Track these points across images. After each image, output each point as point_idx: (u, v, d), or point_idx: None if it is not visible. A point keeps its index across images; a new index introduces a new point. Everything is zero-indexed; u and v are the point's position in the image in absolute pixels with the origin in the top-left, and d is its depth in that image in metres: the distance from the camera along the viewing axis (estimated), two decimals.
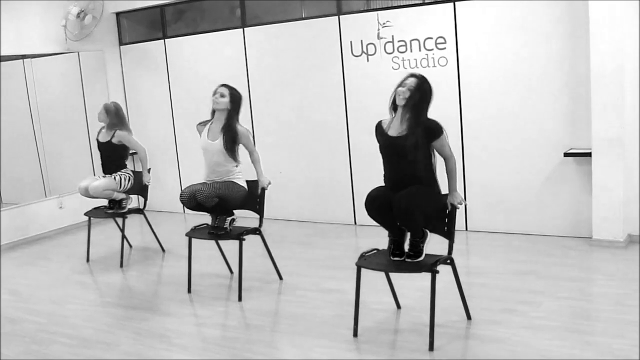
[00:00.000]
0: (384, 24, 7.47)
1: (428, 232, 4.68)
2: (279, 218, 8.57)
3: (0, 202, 8.58)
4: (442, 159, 4.73)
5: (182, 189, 5.88)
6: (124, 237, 7.31)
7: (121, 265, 7.11)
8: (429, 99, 4.61)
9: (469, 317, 4.93)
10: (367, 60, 7.67)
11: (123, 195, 7.19)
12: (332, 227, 8.12)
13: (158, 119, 9.65)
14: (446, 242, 4.75)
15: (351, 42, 7.75)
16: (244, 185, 5.94)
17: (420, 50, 7.31)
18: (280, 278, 6.22)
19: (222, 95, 5.79)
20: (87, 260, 7.28)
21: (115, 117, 7.10)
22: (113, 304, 6.02)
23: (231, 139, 5.75)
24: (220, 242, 6.36)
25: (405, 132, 4.55)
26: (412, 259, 4.59)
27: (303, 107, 8.27)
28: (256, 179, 5.99)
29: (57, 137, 9.26)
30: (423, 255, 4.61)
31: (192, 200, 5.71)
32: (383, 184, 4.75)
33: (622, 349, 4.28)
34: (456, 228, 4.78)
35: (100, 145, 7.20)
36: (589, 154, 6.50)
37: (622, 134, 6.30)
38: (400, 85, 4.60)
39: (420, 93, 4.55)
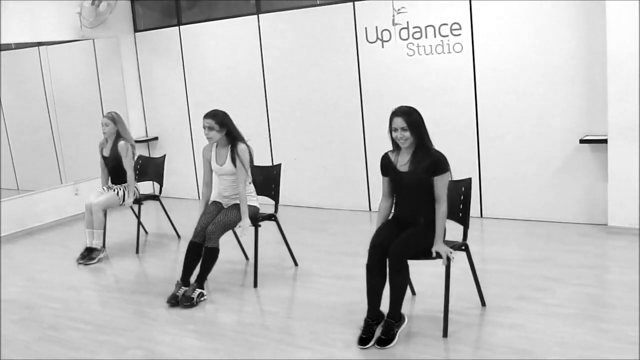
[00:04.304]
0: (399, 10, 7.44)
1: (406, 318, 4.58)
2: (295, 204, 8.58)
3: None
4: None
5: (198, 222, 5.74)
6: (139, 223, 7.35)
7: (137, 252, 7.16)
8: (424, 126, 4.50)
9: (483, 303, 4.93)
10: (382, 47, 7.65)
11: (99, 245, 6.98)
12: (347, 213, 8.12)
13: (173, 106, 9.68)
14: (461, 228, 4.75)
15: (366, 28, 7.72)
16: (256, 204, 5.90)
17: (435, 36, 7.28)
18: (296, 264, 6.24)
19: (211, 128, 5.65)
20: (103, 246, 7.31)
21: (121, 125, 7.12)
22: (129, 290, 6.05)
23: (239, 158, 5.69)
24: None
25: (413, 167, 4.50)
26: (382, 345, 4.36)
27: (318, 93, 8.26)
28: (255, 204, 5.89)
29: (72, 124, 9.31)
30: (394, 342, 4.39)
31: (202, 234, 5.61)
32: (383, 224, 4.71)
33: (637, 335, 4.27)
34: (471, 215, 4.78)
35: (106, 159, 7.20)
36: (605, 141, 6.46)
37: (639, 121, 6.25)
38: (392, 129, 4.49)
39: (415, 127, 4.45)
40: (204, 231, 5.60)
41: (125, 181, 7.11)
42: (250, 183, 5.87)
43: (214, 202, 5.93)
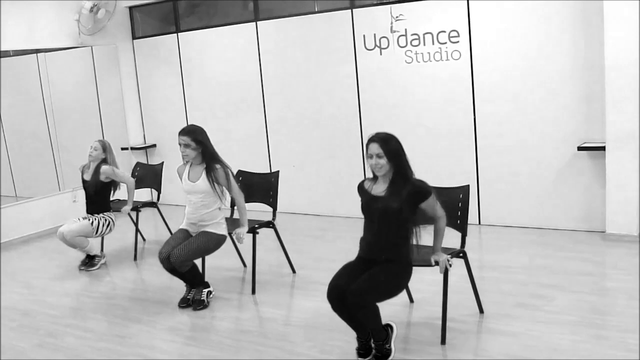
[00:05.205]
0: (397, 17, 7.45)
1: (394, 326, 4.41)
2: (292, 211, 8.58)
3: None
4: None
5: (162, 246, 5.50)
6: (137, 230, 7.36)
7: (135, 259, 7.16)
8: (402, 152, 4.20)
9: (481, 311, 4.93)
10: (380, 54, 7.66)
11: (97, 251, 7.00)
12: (345, 220, 8.11)
13: (171, 113, 9.68)
14: (459, 235, 4.75)
15: (364, 35, 7.74)
16: (224, 232, 5.62)
17: (433, 43, 7.29)
18: (294, 271, 6.24)
19: (187, 145, 5.44)
20: (102, 250, 7.31)
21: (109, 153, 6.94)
22: (127, 297, 6.05)
23: (214, 179, 5.47)
24: None
25: (389, 192, 4.20)
26: None
27: (316, 100, 8.28)
28: (224, 233, 5.63)
29: (70, 131, 9.31)
30: (392, 356, 4.30)
31: (168, 261, 5.38)
32: (346, 263, 4.40)
33: (636, 343, 4.27)
34: (469, 222, 4.78)
35: (85, 183, 6.99)
36: (603, 148, 6.47)
37: (637, 128, 6.26)
38: (368, 156, 4.22)
39: (393, 155, 4.16)
40: (168, 259, 5.37)
41: (102, 210, 6.88)
42: (220, 209, 5.63)
43: (181, 229, 5.67)
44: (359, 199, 4.41)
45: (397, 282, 4.29)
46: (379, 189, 4.28)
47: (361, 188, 4.41)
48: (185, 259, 5.36)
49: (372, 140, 4.21)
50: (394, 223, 4.18)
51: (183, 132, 5.50)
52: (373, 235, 4.29)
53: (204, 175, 5.49)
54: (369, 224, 4.33)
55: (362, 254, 4.37)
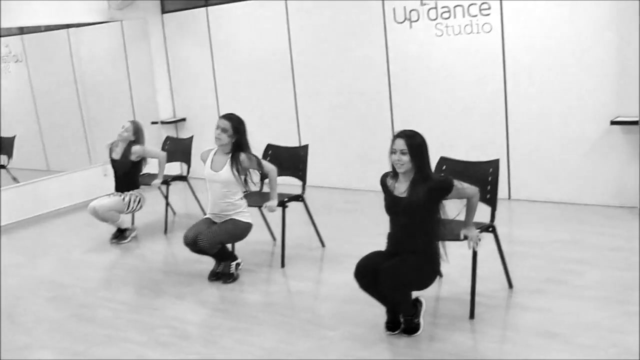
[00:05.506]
0: None
1: (423, 301, 4.45)
2: (322, 185, 8.58)
3: None
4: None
5: (187, 231, 5.52)
6: (167, 204, 7.42)
7: (165, 232, 7.23)
8: (426, 151, 4.23)
9: (510, 285, 4.92)
10: (410, 27, 7.60)
11: (128, 225, 7.08)
12: (374, 194, 8.06)
13: (200, 87, 9.71)
14: (488, 209, 4.73)
15: (394, 8, 7.67)
16: (249, 220, 5.61)
17: (464, 16, 7.21)
18: (323, 245, 6.26)
19: (224, 130, 5.40)
20: (132, 223, 7.39)
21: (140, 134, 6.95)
22: (158, 270, 6.12)
23: (241, 167, 5.46)
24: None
25: (411, 192, 4.20)
26: (409, 334, 4.33)
27: (345, 73, 8.24)
28: (248, 220, 5.62)
29: (101, 106, 9.38)
30: (420, 330, 4.35)
31: (194, 244, 5.39)
32: (376, 250, 4.48)
33: None
34: (499, 196, 4.76)
35: (115, 163, 7.01)
36: (636, 122, 6.38)
37: None
38: (392, 151, 4.22)
39: (416, 153, 4.17)
40: (194, 243, 5.39)
41: (132, 188, 6.93)
42: (242, 198, 5.63)
43: (206, 218, 5.67)
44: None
45: (422, 279, 4.32)
46: (401, 188, 4.29)
47: (384, 185, 4.43)
48: (215, 243, 5.38)
49: (398, 136, 4.24)
50: (419, 222, 4.22)
51: (224, 117, 5.50)
52: (398, 233, 4.34)
53: (227, 165, 5.47)
54: (395, 223, 4.37)
55: (390, 249, 4.40)
